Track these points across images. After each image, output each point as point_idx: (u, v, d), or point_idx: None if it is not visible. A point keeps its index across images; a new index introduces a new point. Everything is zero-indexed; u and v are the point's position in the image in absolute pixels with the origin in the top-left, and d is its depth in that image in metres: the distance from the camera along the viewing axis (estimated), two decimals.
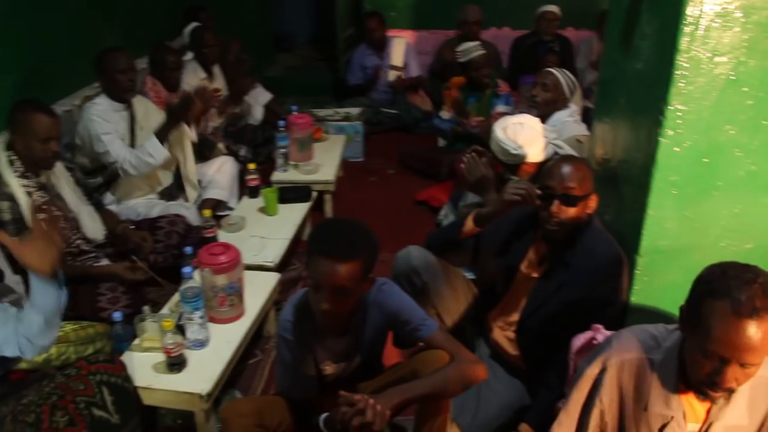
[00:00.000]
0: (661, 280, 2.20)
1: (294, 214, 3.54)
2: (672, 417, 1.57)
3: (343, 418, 1.68)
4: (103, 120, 3.26)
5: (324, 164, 4.16)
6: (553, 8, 5.47)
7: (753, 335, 1.35)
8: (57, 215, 2.62)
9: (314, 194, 3.79)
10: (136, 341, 2.36)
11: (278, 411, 2.00)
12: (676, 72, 1.91)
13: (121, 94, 3.33)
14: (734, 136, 1.99)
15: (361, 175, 4.92)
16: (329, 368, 2.05)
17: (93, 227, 2.87)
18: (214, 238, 2.98)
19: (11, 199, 2.54)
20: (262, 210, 3.52)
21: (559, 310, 2.18)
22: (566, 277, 2.18)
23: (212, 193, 3.92)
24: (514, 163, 2.90)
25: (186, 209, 3.52)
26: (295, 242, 3.43)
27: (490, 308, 2.45)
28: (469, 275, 2.77)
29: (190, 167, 3.74)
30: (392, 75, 5.85)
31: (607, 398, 1.63)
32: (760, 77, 1.92)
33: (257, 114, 5.11)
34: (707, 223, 2.11)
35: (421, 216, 4.18)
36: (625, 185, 2.30)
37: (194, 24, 4.75)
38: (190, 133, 3.65)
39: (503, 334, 2.40)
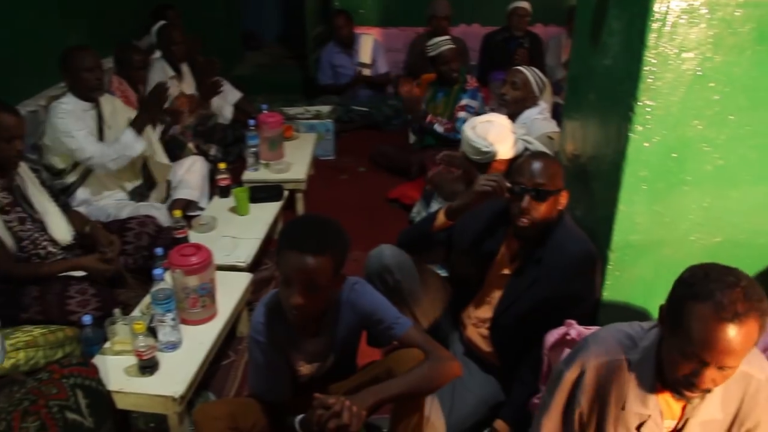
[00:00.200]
0: (632, 274, 2.22)
1: (265, 213, 3.52)
2: (649, 416, 1.58)
3: (319, 421, 1.67)
4: (71, 118, 3.22)
5: (295, 163, 4.14)
6: (524, 4, 5.54)
7: (733, 339, 1.34)
8: None
9: (285, 193, 3.78)
10: (107, 344, 2.32)
11: (252, 413, 1.98)
12: (645, 68, 1.93)
13: (89, 93, 3.29)
14: (702, 131, 2.01)
15: (332, 174, 4.90)
16: (303, 369, 2.04)
17: (60, 229, 2.81)
18: (185, 239, 2.95)
19: None
20: (233, 210, 3.50)
21: (532, 307, 2.18)
22: (538, 274, 2.18)
23: (182, 193, 3.88)
24: (485, 162, 2.90)
25: (156, 210, 3.47)
26: (267, 242, 3.41)
27: (463, 305, 2.46)
28: (442, 272, 2.77)
29: (159, 157, 3.72)
30: (366, 73, 5.86)
31: (586, 400, 1.63)
32: (726, 73, 1.94)
33: (227, 113, 5.06)
34: (677, 218, 2.13)
35: (393, 213, 4.17)
36: (596, 181, 2.31)
37: (162, 22, 4.71)
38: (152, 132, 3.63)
39: (477, 331, 2.40)
